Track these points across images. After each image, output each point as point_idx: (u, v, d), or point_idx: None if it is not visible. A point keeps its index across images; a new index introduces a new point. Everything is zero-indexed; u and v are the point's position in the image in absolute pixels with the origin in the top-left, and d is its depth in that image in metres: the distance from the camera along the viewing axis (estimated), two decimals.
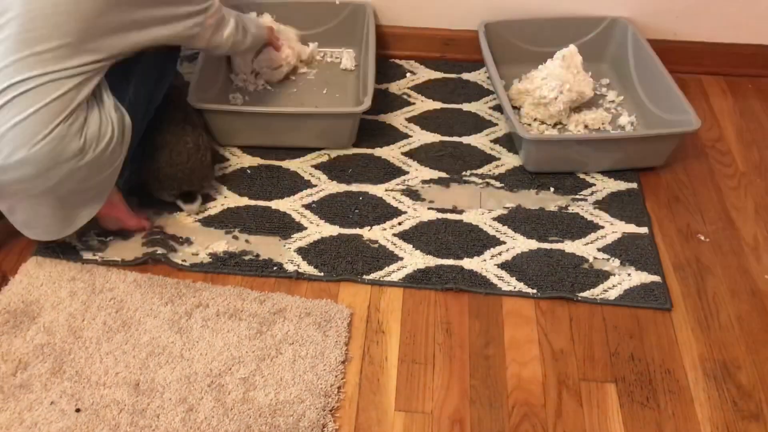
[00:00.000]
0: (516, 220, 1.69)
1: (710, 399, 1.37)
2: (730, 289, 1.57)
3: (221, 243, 1.63)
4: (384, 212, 1.71)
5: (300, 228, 1.67)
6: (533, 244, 1.64)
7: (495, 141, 1.91)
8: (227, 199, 1.74)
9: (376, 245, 1.63)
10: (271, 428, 1.29)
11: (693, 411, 1.35)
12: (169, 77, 1.69)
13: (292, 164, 1.83)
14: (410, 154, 1.87)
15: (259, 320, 1.47)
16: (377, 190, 1.77)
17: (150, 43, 1.48)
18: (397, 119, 1.98)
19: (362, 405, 1.35)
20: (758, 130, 1.99)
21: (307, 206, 1.72)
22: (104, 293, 1.51)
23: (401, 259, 1.60)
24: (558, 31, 2.07)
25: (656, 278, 1.57)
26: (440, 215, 1.70)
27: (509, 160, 1.85)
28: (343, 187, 1.77)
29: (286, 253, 1.61)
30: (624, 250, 1.63)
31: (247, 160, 1.84)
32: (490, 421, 1.33)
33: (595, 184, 1.79)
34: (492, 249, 1.63)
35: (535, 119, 1.92)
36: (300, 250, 1.62)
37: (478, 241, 1.64)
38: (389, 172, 1.81)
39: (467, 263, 1.59)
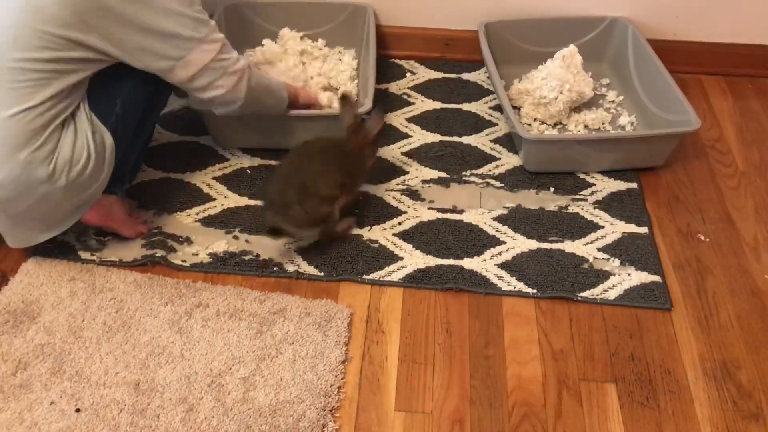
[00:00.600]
0: (516, 220, 1.69)
1: (710, 399, 1.37)
2: (730, 289, 1.57)
3: (221, 243, 1.63)
4: (384, 212, 1.71)
5: None
6: (533, 244, 1.64)
7: (495, 141, 1.92)
8: (227, 199, 1.74)
9: (376, 245, 1.63)
10: (271, 428, 1.29)
11: (693, 411, 1.35)
12: (166, 91, 1.60)
13: None
14: (410, 153, 1.87)
15: (259, 320, 1.47)
16: (377, 189, 1.77)
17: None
18: (397, 119, 1.98)
19: (362, 405, 1.35)
20: (758, 130, 1.99)
21: None
22: (104, 293, 1.51)
23: (401, 258, 1.60)
24: (558, 31, 2.07)
25: (656, 278, 1.57)
26: (440, 215, 1.70)
27: (509, 160, 1.85)
28: None
29: (287, 253, 1.61)
30: (624, 250, 1.63)
31: (247, 160, 1.84)
32: (490, 421, 1.33)
33: (595, 184, 1.79)
34: (492, 249, 1.63)
35: (535, 119, 1.93)
36: (300, 250, 1.61)
37: (478, 241, 1.64)
38: (389, 171, 1.81)
39: (467, 263, 1.59)
